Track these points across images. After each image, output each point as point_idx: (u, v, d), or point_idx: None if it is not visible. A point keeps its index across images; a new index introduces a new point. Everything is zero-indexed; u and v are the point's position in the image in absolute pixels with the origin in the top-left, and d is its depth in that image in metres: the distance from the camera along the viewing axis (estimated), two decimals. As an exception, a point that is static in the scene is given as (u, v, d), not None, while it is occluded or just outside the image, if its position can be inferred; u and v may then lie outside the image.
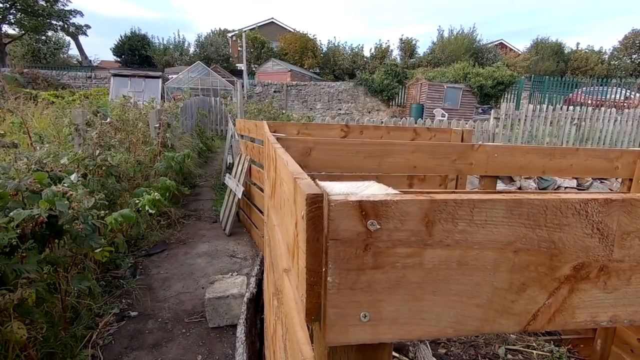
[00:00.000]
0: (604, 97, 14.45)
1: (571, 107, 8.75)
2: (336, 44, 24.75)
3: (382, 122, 8.96)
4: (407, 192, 0.41)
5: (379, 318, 0.38)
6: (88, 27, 24.21)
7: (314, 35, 24.88)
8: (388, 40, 31.43)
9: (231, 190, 4.06)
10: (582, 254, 0.40)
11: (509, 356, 1.58)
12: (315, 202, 0.40)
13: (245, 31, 20.96)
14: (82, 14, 23.05)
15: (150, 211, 2.44)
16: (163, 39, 26.81)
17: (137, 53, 24.96)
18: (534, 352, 1.63)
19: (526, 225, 0.38)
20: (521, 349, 1.65)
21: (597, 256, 0.40)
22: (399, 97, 17.64)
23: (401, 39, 24.38)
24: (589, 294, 0.41)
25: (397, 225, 0.36)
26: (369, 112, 17.23)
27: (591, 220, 0.39)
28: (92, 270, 2.35)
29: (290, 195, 0.53)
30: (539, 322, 0.41)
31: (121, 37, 25.39)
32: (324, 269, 0.38)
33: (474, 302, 0.39)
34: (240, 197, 3.78)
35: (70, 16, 22.56)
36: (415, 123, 8.57)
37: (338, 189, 0.40)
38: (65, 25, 22.89)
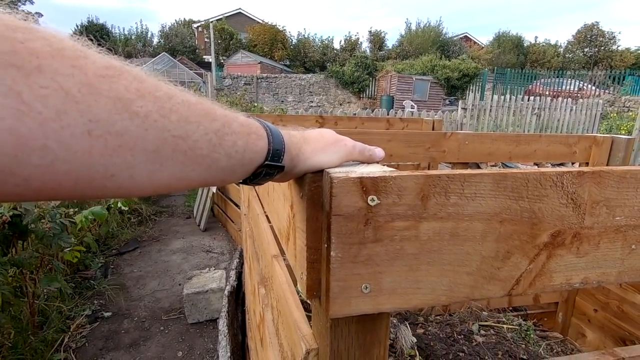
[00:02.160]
0: (560, 88, 15.31)
1: (532, 98, 9.22)
2: (306, 36, 24.57)
3: (354, 114, 9.05)
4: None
5: (378, 289, 0.40)
6: (40, 14, 22.46)
7: (283, 27, 24.55)
8: (357, 33, 31.56)
9: (205, 184, 3.99)
10: (558, 222, 0.43)
11: (482, 332, 1.68)
12: (315, 181, 0.41)
13: (212, 22, 20.32)
14: (32, 2, 21.45)
15: (123, 208, 2.35)
16: (124, 29, 25.55)
17: (95, 44, 23.61)
18: (504, 326, 1.74)
19: (510, 197, 0.41)
20: (493, 324, 1.75)
21: (571, 224, 0.44)
22: (370, 89, 17.82)
23: (370, 32, 24.57)
24: (564, 259, 0.45)
25: (395, 200, 0.38)
26: (341, 105, 17.30)
27: (566, 191, 0.43)
28: (62, 271, 2.24)
29: (284, 179, 0.53)
30: (521, 287, 0.45)
31: (77, 26, 23.82)
32: (325, 245, 0.40)
33: (464, 271, 0.42)
34: (215, 192, 3.71)
35: (19, 3, 20.90)
36: (388, 114, 8.72)
37: (336, 168, 0.42)
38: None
